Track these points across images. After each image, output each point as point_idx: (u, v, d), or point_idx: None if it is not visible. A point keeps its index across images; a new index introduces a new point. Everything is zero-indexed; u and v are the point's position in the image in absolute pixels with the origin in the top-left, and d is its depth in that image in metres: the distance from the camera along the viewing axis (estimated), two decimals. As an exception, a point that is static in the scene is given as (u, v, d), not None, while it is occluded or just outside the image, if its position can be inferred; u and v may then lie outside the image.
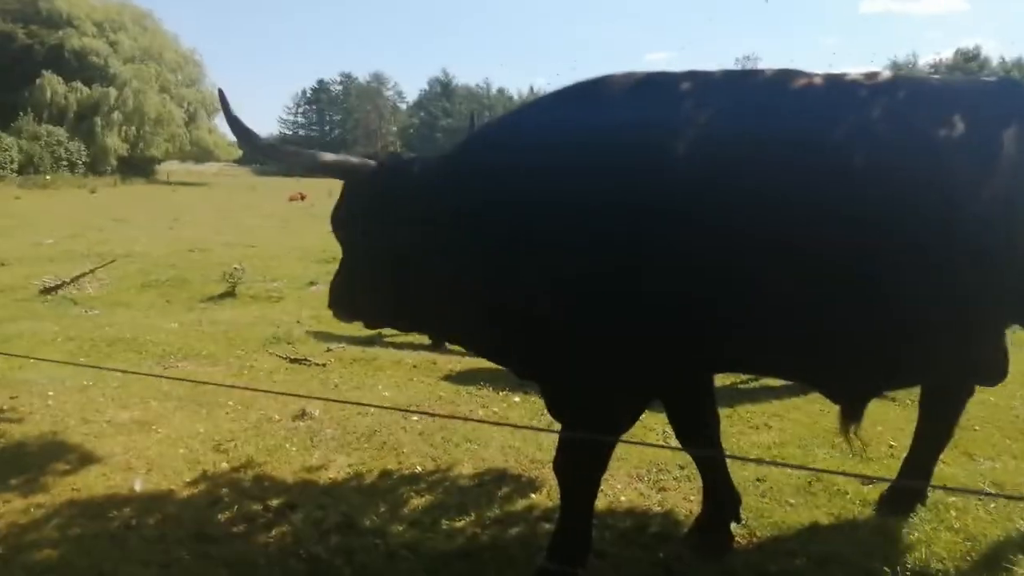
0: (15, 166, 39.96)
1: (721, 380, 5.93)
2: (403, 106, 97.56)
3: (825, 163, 2.80)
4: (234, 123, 3.22)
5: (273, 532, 3.70)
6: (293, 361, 6.76)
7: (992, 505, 3.94)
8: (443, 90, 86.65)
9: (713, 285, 2.78)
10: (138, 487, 4.15)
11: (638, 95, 3.04)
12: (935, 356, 3.08)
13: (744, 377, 6.23)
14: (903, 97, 2.98)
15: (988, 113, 2.96)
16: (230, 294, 10.10)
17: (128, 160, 51.78)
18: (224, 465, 4.47)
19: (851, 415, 3.32)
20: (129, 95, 51.23)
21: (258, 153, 3.54)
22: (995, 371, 3.70)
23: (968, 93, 3.12)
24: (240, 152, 69.08)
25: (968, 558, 3.43)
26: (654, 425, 4.92)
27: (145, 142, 53.45)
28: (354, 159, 3.46)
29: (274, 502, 4.00)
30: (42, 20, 49.16)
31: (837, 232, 2.75)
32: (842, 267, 2.76)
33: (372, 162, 3.39)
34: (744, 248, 2.74)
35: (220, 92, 3.32)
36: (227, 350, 7.11)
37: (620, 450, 3.72)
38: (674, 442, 4.65)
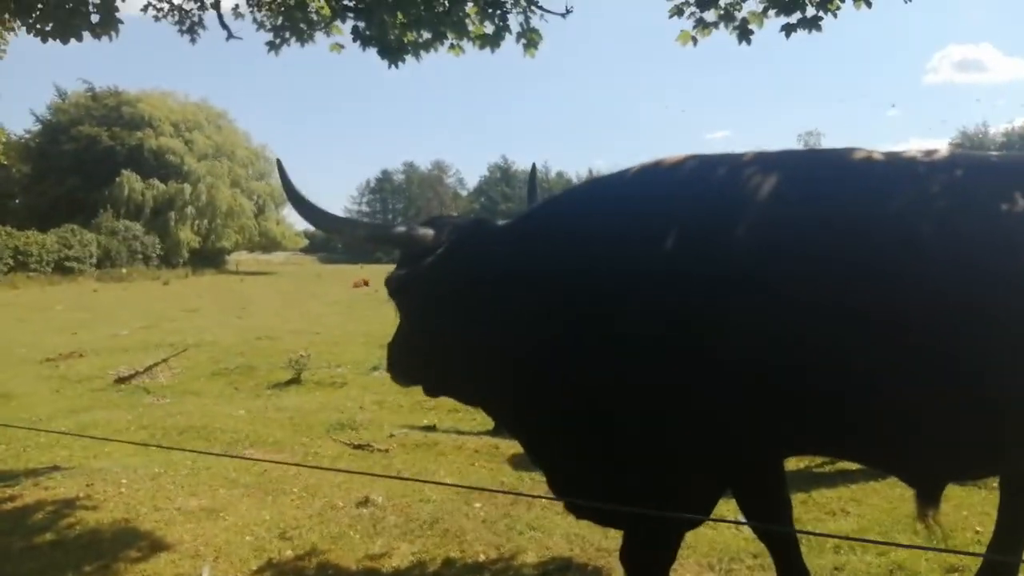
0: (94, 260, 42.01)
1: (795, 464, 5.75)
2: (464, 192, 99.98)
3: (902, 243, 2.76)
4: (289, 191, 3.45)
5: (338, 624, 3.67)
6: (356, 447, 6.81)
7: (1095, 596, 3.67)
8: (503, 175, 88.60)
9: (787, 361, 2.72)
10: (206, 574, 4.17)
11: (700, 173, 3.08)
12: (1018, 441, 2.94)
13: (820, 460, 6.02)
14: (969, 174, 2.94)
15: None
16: (296, 380, 10.30)
17: (199, 252, 53.96)
18: (289, 553, 4.48)
19: (928, 499, 3.17)
20: (203, 190, 53.79)
21: (314, 220, 3.56)
22: None
23: None
24: (306, 241, 71.48)
25: (1072, 656, 3.18)
26: (724, 513, 4.75)
27: (216, 234, 55.70)
28: (413, 228, 3.49)
29: (338, 591, 3.98)
30: (124, 123, 52.39)
31: (914, 311, 2.69)
32: (918, 347, 2.69)
33: (431, 231, 3.40)
34: (818, 325, 2.69)
35: (279, 162, 3.55)
36: (292, 436, 7.21)
37: (689, 537, 3.61)
38: (746, 531, 4.53)
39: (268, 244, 65.69)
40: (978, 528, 4.60)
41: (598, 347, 2.86)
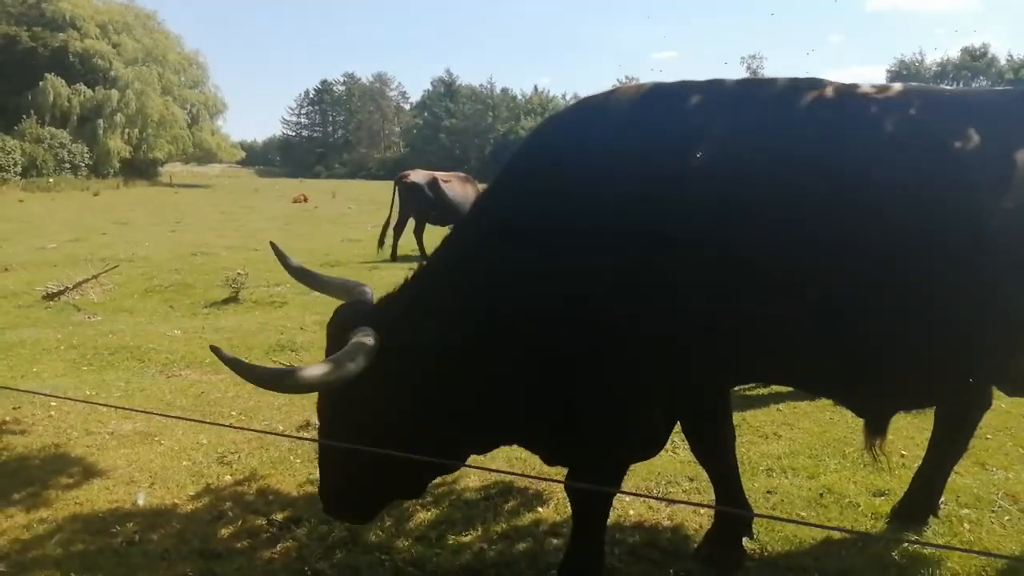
0: (18, 169, 39.97)
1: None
2: (407, 106, 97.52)
3: (854, 176, 2.79)
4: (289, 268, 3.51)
5: (277, 548, 3.66)
6: (297, 369, 6.70)
7: (1007, 518, 3.88)
8: (447, 90, 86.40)
9: (750, 289, 2.77)
10: (141, 501, 4.10)
11: (663, 104, 3.03)
12: (967, 370, 3.05)
13: (752, 384, 6.19)
14: (923, 109, 2.94)
15: (1006, 125, 2.92)
16: (233, 299, 10.08)
17: (131, 162, 51.81)
18: (228, 478, 4.43)
19: (876, 429, 3.29)
20: (132, 97, 51.22)
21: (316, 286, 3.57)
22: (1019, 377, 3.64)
23: (986, 104, 3.07)
24: (243, 154, 69.27)
25: (983, 573, 3.36)
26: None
27: (148, 144, 53.42)
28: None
29: (278, 516, 3.96)
30: (45, 22, 49.17)
31: (870, 242, 2.73)
32: (874, 279, 2.75)
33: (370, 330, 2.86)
34: (778, 254, 2.75)
35: (272, 245, 3.55)
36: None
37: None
38: (682, 454, 4.65)
39: (203, 155, 63.48)
40: (903, 452, 4.79)
41: (572, 286, 2.83)
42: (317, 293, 11.07)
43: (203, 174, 65.58)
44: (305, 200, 32.45)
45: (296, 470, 4.54)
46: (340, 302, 3.22)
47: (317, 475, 4.38)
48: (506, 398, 2.96)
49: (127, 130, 51.46)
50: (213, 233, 18.97)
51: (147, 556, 3.56)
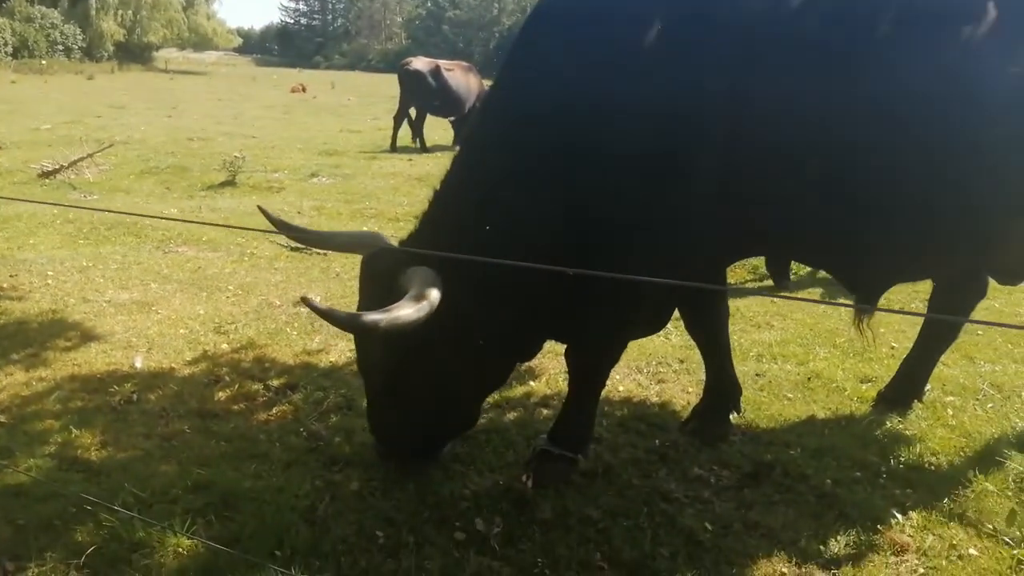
0: (9, 49, 38.82)
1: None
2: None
3: (853, 49, 2.75)
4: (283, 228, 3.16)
5: (273, 410, 3.73)
6: (294, 250, 6.68)
7: (990, 405, 3.96)
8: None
9: (757, 161, 2.75)
10: (139, 364, 4.16)
11: None
12: (954, 245, 3.07)
13: (748, 277, 6.21)
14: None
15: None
16: (230, 183, 9.98)
17: (125, 46, 50.26)
18: (224, 346, 4.48)
19: (867, 302, 3.32)
20: (124, -23, 49.37)
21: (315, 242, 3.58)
22: (1012, 269, 3.65)
23: None
24: (240, 40, 67.32)
25: (962, 453, 3.45)
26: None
27: (142, 27, 51.71)
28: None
29: (275, 382, 4.02)
30: None
31: (860, 122, 2.73)
32: (871, 152, 2.75)
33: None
34: (780, 133, 2.73)
35: (262, 210, 3.16)
36: (227, 236, 7.04)
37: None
38: (675, 339, 4.70)
39: (199, 41, 61.60)
40: (893, 344, 4.85)
41: (594, 162, 2.76)
42: (315, 180, 10.96)
43: (199, 61, 63.76)
44: (304, 90, 31.72)
45: (293, 341, 4.59)
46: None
47: (313, 347, 4.51)
48: (547, 295, 2.84)
49: (120, 12, 49.72)
50: (210, 119, 18.62)
51: (144, 414, 3.63)
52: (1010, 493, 3.11)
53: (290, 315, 5.00)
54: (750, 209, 2.85)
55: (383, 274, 2.76)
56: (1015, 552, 2.75)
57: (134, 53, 51.31)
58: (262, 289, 5.48)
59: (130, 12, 50.57)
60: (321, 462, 3.27)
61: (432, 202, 3.00)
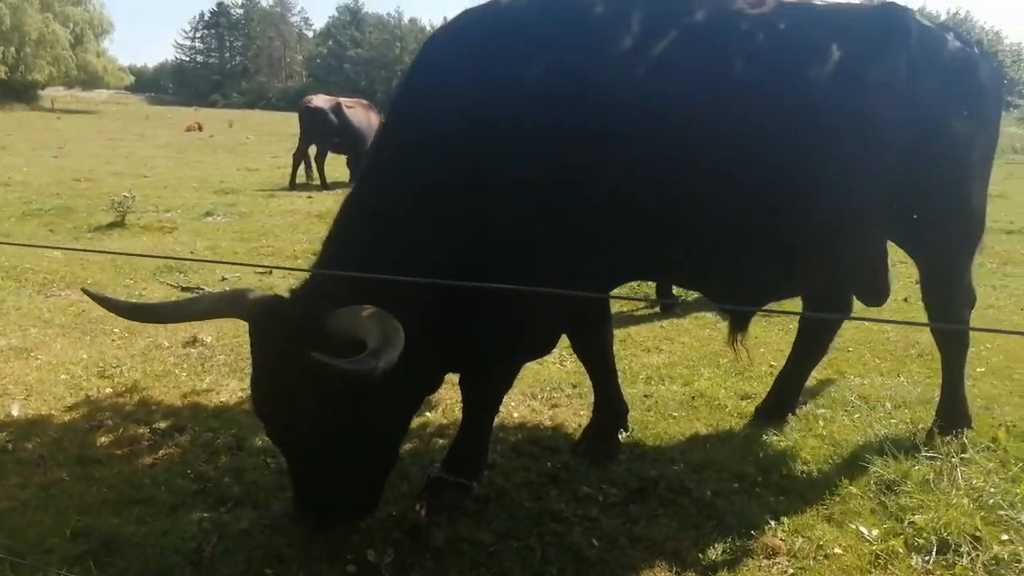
0: None
1: (619, 308, 6.12)
2: (309, 34, 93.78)
3: (719, 88, 2.97)
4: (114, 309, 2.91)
5: (160, 453, 3.64)
6: (185, 290, 6.55)
7: (857, 415, 4.24)
8: (352, 18, 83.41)
9: (636, 194, 2.92)
10: (15, 412, 3.99)
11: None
12: (816, 268, 3.32)
13: (639, 304, 6.44)
14: (791, 21, 3.14)
15: (866, 37, 3.16)
16: (119, 224, 9.65)
17: (7, 84, 47.98)
18: (108, 390, 4.34)
19: (738, 325, 3.55)
20: (6, 12, 47.15)
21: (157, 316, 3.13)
22: (875, 289, 3.96)
23: (849, 17, 3.29)
24: (132, 79, 65.27)
25: (830, 460, 3.68)
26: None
27: (26, 65, 49.51)
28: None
29: (161, 425, 3.92)
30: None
31: (728, 150, 2.94)
32: (734, 184, 2.97)
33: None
34: (656, 160, 2.91)
35: (86, 292, 2.96)
36: (114, 279, 6.83)
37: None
38: (570, 365, 4.84)
39: (88, 80, 59.31)
40: (772, 363, 5.12)
41: (488, 191, 2.83)
42: (210, 219, 10.71)
43: (89, 100, 61.38)
44: (200, 129, 31.02)
45: (181, 382, 4.49)
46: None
47: (203, 387, 4.42)
48: (446, 323, 2.84)
49: (2, 49, 47.53)
50: (99, 159, 17.98)
51: (21, 463, 3.48)
52: (871, 495, 3.33)
53: (179, 356, 4.89)
54: (633, 235, 3.00)
55: (296, 327, 2.50)
56: (874, 548, 2.95)
57: (17, 91, 49.02)
58: (150, 331, 5.33)
59: (12, 49, 48.38)
60: (209, 503, 3.21)
61: (326, 243, 2.93)
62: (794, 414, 4.14)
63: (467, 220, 2.82)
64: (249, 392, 3.12)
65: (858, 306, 4.34)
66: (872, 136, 3.12)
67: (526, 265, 2.90)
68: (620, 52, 2.92)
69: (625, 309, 6.34)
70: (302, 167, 14.52)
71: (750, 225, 3.09)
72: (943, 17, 54.35)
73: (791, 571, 2.85)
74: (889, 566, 2.87)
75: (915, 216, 3.43)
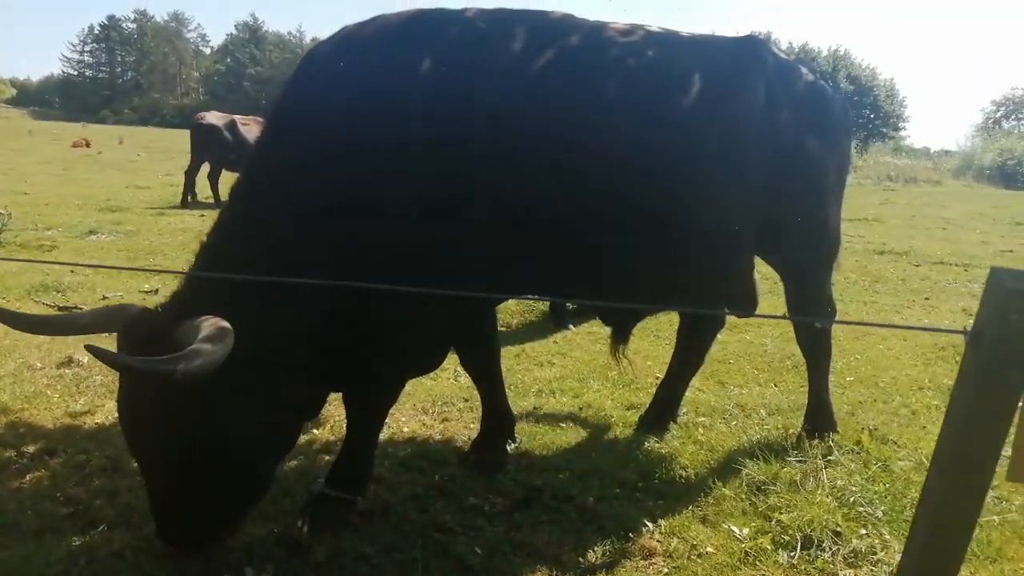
0: None
1: (516, 323, 6.21)
2: (207, 50, 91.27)
3: (590, 111, 3.09)
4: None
5: (28, 477, 3.47)
6: (62, 309, 6.25)
7: (734, 422, 4.44)
8: (252, 36, 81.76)
9: (514, 213, 2.98)
10: None
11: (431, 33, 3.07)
12: (685, 283, 3.49)
13: (532, 319, 6.55)
14: (659, 49, 3.31)
15: (727, 65, 3.37)
16: (-8, 242, 9.12)
17: None
18: (-27, 413, 4.10)
19: (619, 337, 3.69)
20: None
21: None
22: (745, 301, 4.17)
23: (713, 47, 3.49)
24: (14, 92, 61.94)
25: (707, 465, 3.84)
26: (446, 365, 5.01)
27: None
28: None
29: (31, 448, 3.73)
30: None
31: (597, 170, 3.06)
32: (604, 205, 3.09)
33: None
34: (530, 186, 2.99)
35: None
36: (-16, 298, 6.45)
37: (408, 387, 3.78)
38: (463, 380, 4.88)
39: (-37, 92, 56.00)
40: (658, 375, 5.29)
41: (363, 219, 2.81)
42: (93, 238, 10.26)
43: (-36, 113, 57.94)
44: (87, 145, 29.68)
45: (54, 404, 4.28)
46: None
47: (77, 408, 4.23)
48: (327, 340, 2.83)
49: None
50: (-28, 175, 16.96)
51: None
52: (743, 496, 3.50)
53: (52, 377, 4.67)
54: (511, 251, 3.07)
55: (150, 339, 2.45)
56: (744, 546, 3.10)
57: None
58: (21, 351, 5.07)
59: None
60: (79, 526, 3.07)
61: (197, 259, 2.87)
62: (675, 422, 4.30)
63: (343, 240, 2.79)
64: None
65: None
66: (736, 156, 3.32)
67: (408, 283, 2.89)
68: (499, 70, 3.01)
69: (515, 322, 6.46)
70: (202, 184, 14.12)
71: (623, 241, 3.22)
72: (824, 52, 57.69)
73: (666, 571, 2.96)
74: (758, 563, 3.02)
75: (778, 233, 3.66)
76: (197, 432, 2.48)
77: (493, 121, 2.92)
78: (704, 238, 3.41)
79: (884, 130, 56.05)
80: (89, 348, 2.13)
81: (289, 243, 2.75)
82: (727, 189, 3.36)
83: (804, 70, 3.77)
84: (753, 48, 3.58)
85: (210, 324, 2.37)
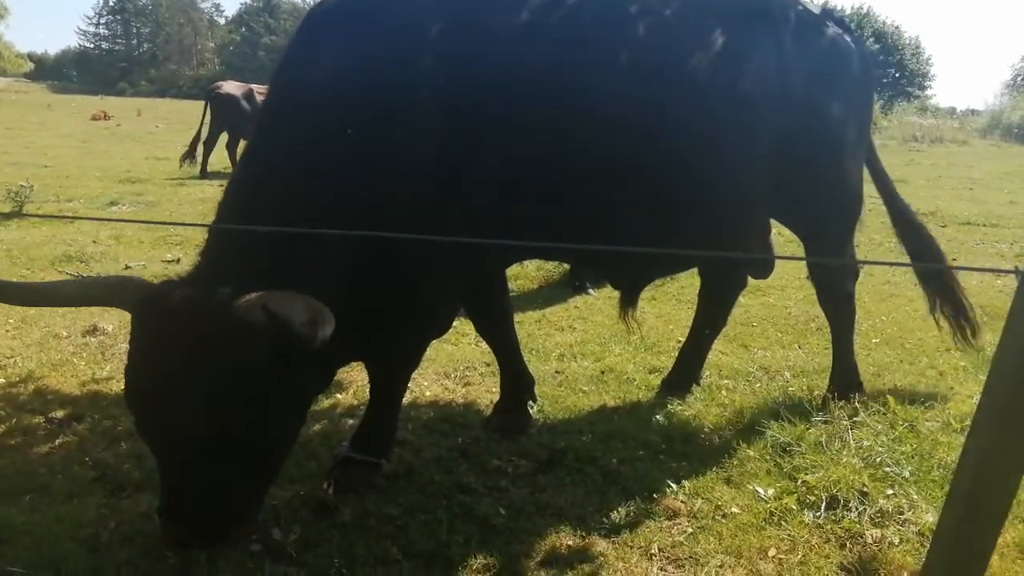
0: None
1: (535, 288, 6.19)
2: (221, 20, 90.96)
3: (600, 67, 3.02)
4: None
5: (56, 442, 3.51)
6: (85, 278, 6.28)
7: (757, 384, 4.41)
8: (265, 4, 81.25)
9: (529, 168, 2.92)
10: None
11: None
12: (696, 245, 3.43)
13: (553, 284, 6.53)
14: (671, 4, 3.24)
15: (743, 21, 3.29)
16: (17, 213, 9.18)
17: None
18: (1, 381, 4.15)
19: (628, 300, 3.65)
20: None
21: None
22: (762, 263, 4.12)
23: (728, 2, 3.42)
24: (31, 65, 62.15)
25: (731, 427, 3.82)
26: (467, 331, 5.03)
27: (-88, 50, 46.68)
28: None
29: (58, 414, 3.79)
30: None
31: (611, 129, 2.99)
32: (615, 164, 3.03)
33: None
34: (539, 148, 2.92)
35: None
36: (9, 269, 6.51)
37: (430, 351, 3.78)
38: (484, 344, 4.87)
39: (-17, 66, 56.32)
40: (680, 338, 5.24)
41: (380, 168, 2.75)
42: (114, 208, 10.29)
43: (-16, 88, 58.24)
44: (106, 117, 29.77)
45: (80, 371, 4.33)
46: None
47: (103, 375, 4.27)
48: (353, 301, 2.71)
49: None
50: (-5, 149, 17.08)
51: (-100, 459, 3.31)
52: (768, 457, 3.48)
53: (78, 345, 4.72)
54: (528, 210, 3.03)
55: (206, 310, 2.28)
56: (769, 506, 3.09)
57: (-97, 78, 46.13)
58: (47, 320, 5.12)
59: None
60: (107, 490, 3.12)
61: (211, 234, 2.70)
62: (698, 385, 4.28)
63: (359, 201, 2.72)
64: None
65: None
66: (749, 117, 3.25)
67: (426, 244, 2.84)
68: (511, 27, 2.93)
69: (535, 286, 6.43)
70: (198, 155, 14.07)
71: (635, 203, 3.16)
72: (848, 11, 56.37)
73: (691, 531, 2.95)
74: (783, 522, 3.00)
75: (795, 195, 3.59)
76: (247, 405, 2.29)
77: (507, 76, 2.86)
78: (718, 201, 3.35)
79: (909, 89, 54.89)
80: (269, 300, 2.08)
81: (311, 206, 2.64)
82: (734, 149, 3.29)
83: (826, 22, 3.66)
84: (764, 2, 3.48)
85: (301, 296, 2.25)
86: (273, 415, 2.41)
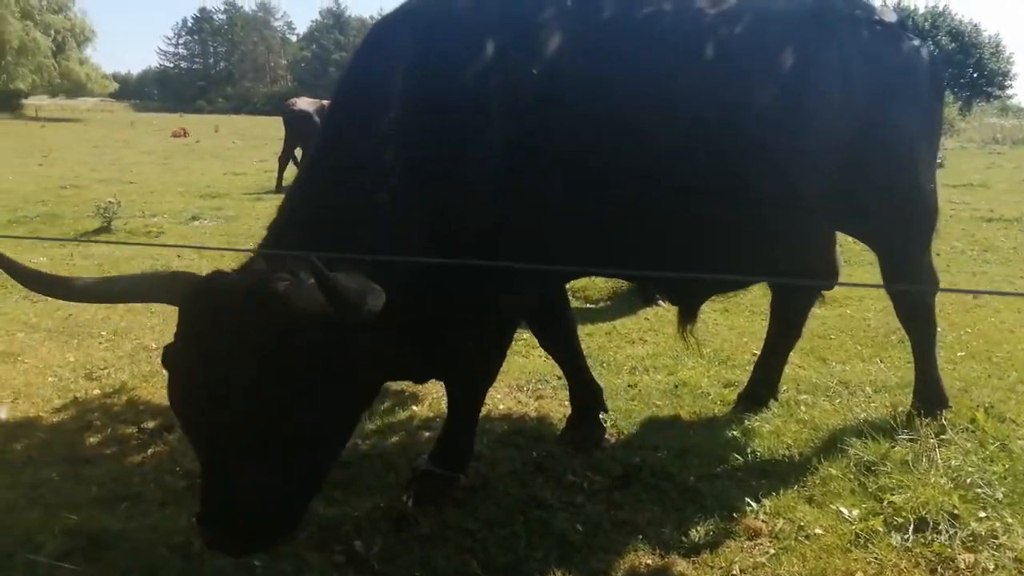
0: None
1: (604, 300, 6.17)
2: (293, 38, 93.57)
3: (669, 82, 3.01)
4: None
5: (148, 452, 3.67)
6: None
7: (838, 400, 4.30)
8: (335, 22, 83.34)
9: (589, 186, 2.92)
10: (3, 415, 4.00)
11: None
12: (757, 259, 3.38)
13: (620, 296, 6.50)
14: (736, 13, 3.21)
15: (808, 28, 3.24)
16: (106, 229, 9.65)
17: (-11, 93, 47.86)
18: (96, 392, 4.36)
19: (686, 315, 3.64)
20: (-14, 21, 46.97)
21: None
22: (825, 273, 4.03)
23: (793, 8, 3.37)
24: (116, 86, 64.98)
25: (811, 444, 3.74)
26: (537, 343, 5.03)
27: (8, 74, 49.26)
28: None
29: (150, 424, 3.95)
30: None
31: (675, 140, 2.99)
32: (677, 176, 3.02)
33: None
34: (609, 156, 2.93)
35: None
36: (101, 283, 6.82)
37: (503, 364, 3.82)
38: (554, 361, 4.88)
39: (72, 88, 59.06)
40: (755, 351, 5.17)
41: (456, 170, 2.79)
42: (196, 223, 10.64)
43: (73, 108, 61.08)
44: (185, 134, 30.92)
45: (169, 383, 4.50)
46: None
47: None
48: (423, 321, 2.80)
49: (-18, 58, 47.30)
50: (84, 167, 17.92)
51: (9, 465, 3.50)
52: (851, 476, 3.39)
53: (167, 356, 4.90)
54: (594, 226, 3.03)
55: (259, 295, 2.24)
56: (854, 527, 3.01)
57: (1, 101, 48.78)
58: (137, 333, 5.35)
59: (-7, 58, 48.15)
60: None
61: (271, 229, 2.79)
62: (776, 400, 4.20)
63: (434, 217, 2.76)
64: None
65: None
66: (814, 127, 3.19)
67: (500, 254, 2.82)
68: (581, 47, 2.93)
69: (609, 301, 6.41)
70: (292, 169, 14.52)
71: (698, 223, 3.15)
72: (921, 10, 54.57)
73: (773, 552, 2.90)
74: (869, 544, 2.92)
75: (865, 206, 3.51)
76: (298, 392, 2.23)
77: (575, 96, 2.87)
78: (781, 214, 3.30)
79: (989, 89, 52.76)
80: (313, 264, 2.05)
81: (379, 215, 2.66)
82: (805, 160, 3.23)
83: (893, 27, 3.57)
84: (837, 8, 3.42)
85: (351, 275, 2.24)
86: (324, 406, 2.32)
